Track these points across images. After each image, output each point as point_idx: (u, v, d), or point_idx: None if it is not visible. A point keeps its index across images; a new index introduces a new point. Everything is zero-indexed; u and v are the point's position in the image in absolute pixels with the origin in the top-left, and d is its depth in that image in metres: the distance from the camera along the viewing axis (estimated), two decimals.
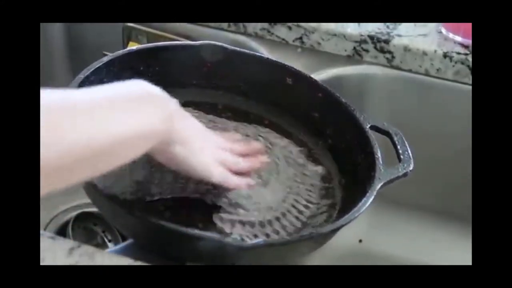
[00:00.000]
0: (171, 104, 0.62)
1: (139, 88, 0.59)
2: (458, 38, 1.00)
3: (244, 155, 0.72)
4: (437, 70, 1.00)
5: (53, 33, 1.18)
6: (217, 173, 0.67)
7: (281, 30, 1.05)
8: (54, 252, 0.60)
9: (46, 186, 0.48)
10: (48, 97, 0.48)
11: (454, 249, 1.02)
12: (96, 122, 0.52)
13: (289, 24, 1.04)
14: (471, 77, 0.98)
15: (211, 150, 0.68)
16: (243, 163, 0.71)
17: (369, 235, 1.03)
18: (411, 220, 1.06)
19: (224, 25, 1.07)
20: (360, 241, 1.02)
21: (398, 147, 0.75)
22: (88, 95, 0.54)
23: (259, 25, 1.05)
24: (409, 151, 0.74)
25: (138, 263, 0.60)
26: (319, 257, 0.84)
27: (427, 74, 1.01)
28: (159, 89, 0.61)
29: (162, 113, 0.60)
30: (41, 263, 0.57)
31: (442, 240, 1.04)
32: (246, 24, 1.06)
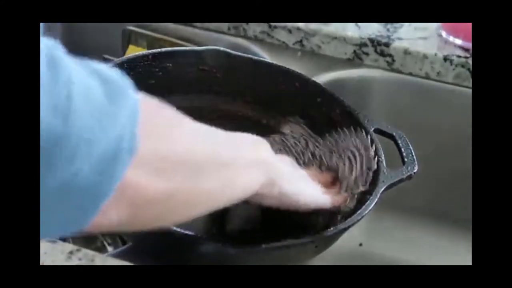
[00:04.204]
0: (264, 145, 0.61)
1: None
2: (459, 41, 1.00)
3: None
4: (438, 73, 1.00)
5: (53, 37, 1.18)
6: (326, 197, 0.67)
7: (281, 33, 1.04)
8: (54, 255, 0.60)
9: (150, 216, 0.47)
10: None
11: (454, 253, 1.02)
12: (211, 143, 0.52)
13: (289, 27, 1.04)
14: (471, 80, 0.98)
15: (307, 178, 0.67)
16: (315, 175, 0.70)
17: (369, 238, 1.03)
18: (412, 224, 1.06)
19: (224, 28, 1.07)
20: (361, 244, 1.02)
21: (402, 149, 0.75)
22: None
23: (259, 28, 1.05)
24: (414, 154, 0.74)
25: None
26: (319, 260, 0.84)
27: (427, 77, 1.00)
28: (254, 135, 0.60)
29: (260, 155, 0.59)
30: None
31: (442, 244, 1.04)
32: (246, 27, 1.06)
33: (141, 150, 0.43)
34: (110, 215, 0.43)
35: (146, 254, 0.64)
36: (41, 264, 0.57)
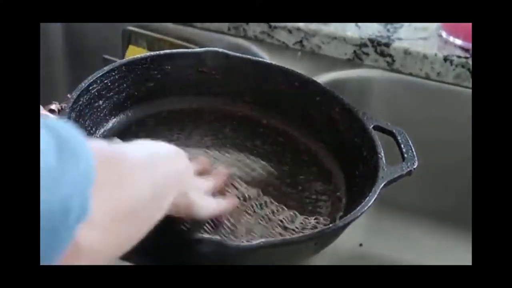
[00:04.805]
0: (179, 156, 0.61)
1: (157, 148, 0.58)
2: (459, 42, 1.00)
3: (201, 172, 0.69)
4: (438, 73, 1.00)
5: (53, 37, 1.18)
6: (215, 204, 0.65)
7: (281, 34, 1.05)
8: None
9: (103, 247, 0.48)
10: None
11: (454, 253, 1.02)
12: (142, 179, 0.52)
13: (289, 27, 1.04)
14: (471, 80, 0.98)
15: (196, 185, 0.65)
16: (212, 183, 0.68)
17: (369, 239, 1.03)
18: (412, 224, 1.06)
19: (224, 28, 1.07)
20: (361, 245, 1.02)
21: (402, 146, 0.75)
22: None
23: (259, 29, 1.05)
24: (413, 150, 0.74)
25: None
26: (319, 261, 0.84)
27: (427, 77, 1.01)
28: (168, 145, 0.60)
29: (175, 167, 0.59)
30: None
31: (442, 244, 1.04)
32: (246, 27, 1.06)
33: (93, 211, 0.44)
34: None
35: (146, 254, 0.64)
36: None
